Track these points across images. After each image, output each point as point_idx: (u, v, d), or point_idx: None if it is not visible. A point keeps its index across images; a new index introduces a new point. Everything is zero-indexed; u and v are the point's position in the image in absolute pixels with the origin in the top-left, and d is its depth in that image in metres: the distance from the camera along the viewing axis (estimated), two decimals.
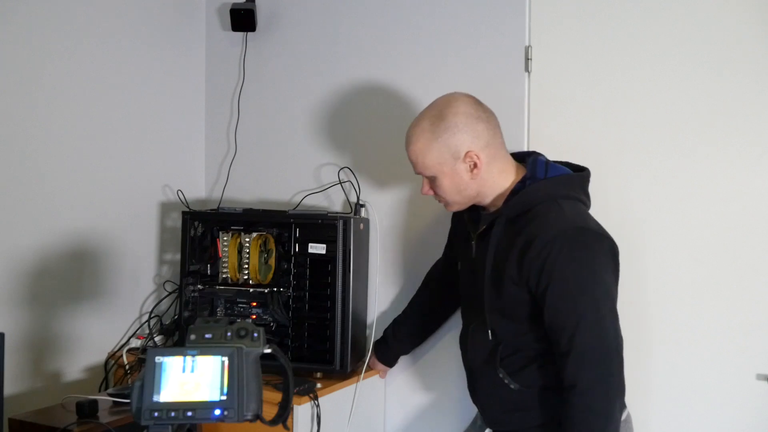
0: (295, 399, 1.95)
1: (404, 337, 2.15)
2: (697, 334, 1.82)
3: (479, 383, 1.74)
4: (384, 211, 2.33)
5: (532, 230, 1.53)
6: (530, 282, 1.54)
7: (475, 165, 1.60)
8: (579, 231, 1.53)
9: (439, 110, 1.62)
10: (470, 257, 1.71)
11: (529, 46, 2.05)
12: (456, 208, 1.69)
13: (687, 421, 1.83)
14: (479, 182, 1.62)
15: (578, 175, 1.67)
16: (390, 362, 2.20)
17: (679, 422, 1.84)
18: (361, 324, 2.25)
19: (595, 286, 1.52)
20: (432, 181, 1.65)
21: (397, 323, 2.16)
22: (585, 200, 1.66)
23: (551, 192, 1.59)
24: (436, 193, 1.67)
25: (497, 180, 1.63)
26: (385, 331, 2.18)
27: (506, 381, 1.62)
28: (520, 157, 1.72)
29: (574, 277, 1.51)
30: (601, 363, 1.50)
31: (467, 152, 1.59)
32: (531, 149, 1.83)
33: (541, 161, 1.66)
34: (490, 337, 1.64)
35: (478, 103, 1.65)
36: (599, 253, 1.54)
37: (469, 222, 1.73)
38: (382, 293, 2.33)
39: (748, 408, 1.76)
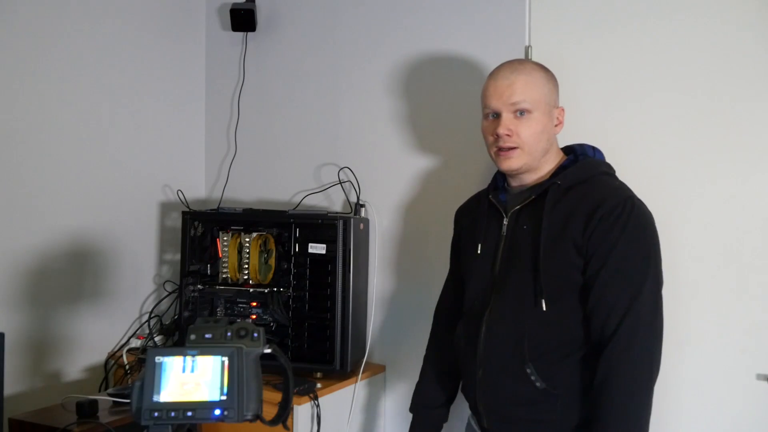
0: (295, 399, 1.96)
1: (440, 380, 1.86)
2: (698, 334, 1.82)
3: (494, 380, 1.59)
4: (384, 211, 2.33)
5: (601, 193, 1.55)
6: (595, 241, 1.50)
7: (560, 122, 1.68)
8: (643, 204, 1.56)
9: (540, 64, 1.69)
10: (497, 237, 1.65)
11: (529, 46, 2.05)
12: (516, 161, 1.61)
13: (687, 421, 1.83)
14: (552, 141, 1.66)
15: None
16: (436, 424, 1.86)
17: (679, 422, 1.83)
18: (361, 324, 2.25)
19: (657, 260, 1.53)
20: (520, 117, 1.60)
21: (425, 372, 1.89)
22: None
23: (605, 168, 1.66)
24: (510, 136, 1.60)
25: (555, 150, 1.68)
26: (417, 397, 1.88)
27: (533, 378, 1.53)
28: None
29: (645, 241, 1.52)
30: (653, 333, 1.50)
31: (560, 108, 1.68)
32: None
33: (588, 145, 1.72)
34: (544, 308, 1.53)
35: None
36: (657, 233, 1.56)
37: (498, 204, 1.68)
38: (382, 293, 2.33)
39: (748, 408, 1.76)
